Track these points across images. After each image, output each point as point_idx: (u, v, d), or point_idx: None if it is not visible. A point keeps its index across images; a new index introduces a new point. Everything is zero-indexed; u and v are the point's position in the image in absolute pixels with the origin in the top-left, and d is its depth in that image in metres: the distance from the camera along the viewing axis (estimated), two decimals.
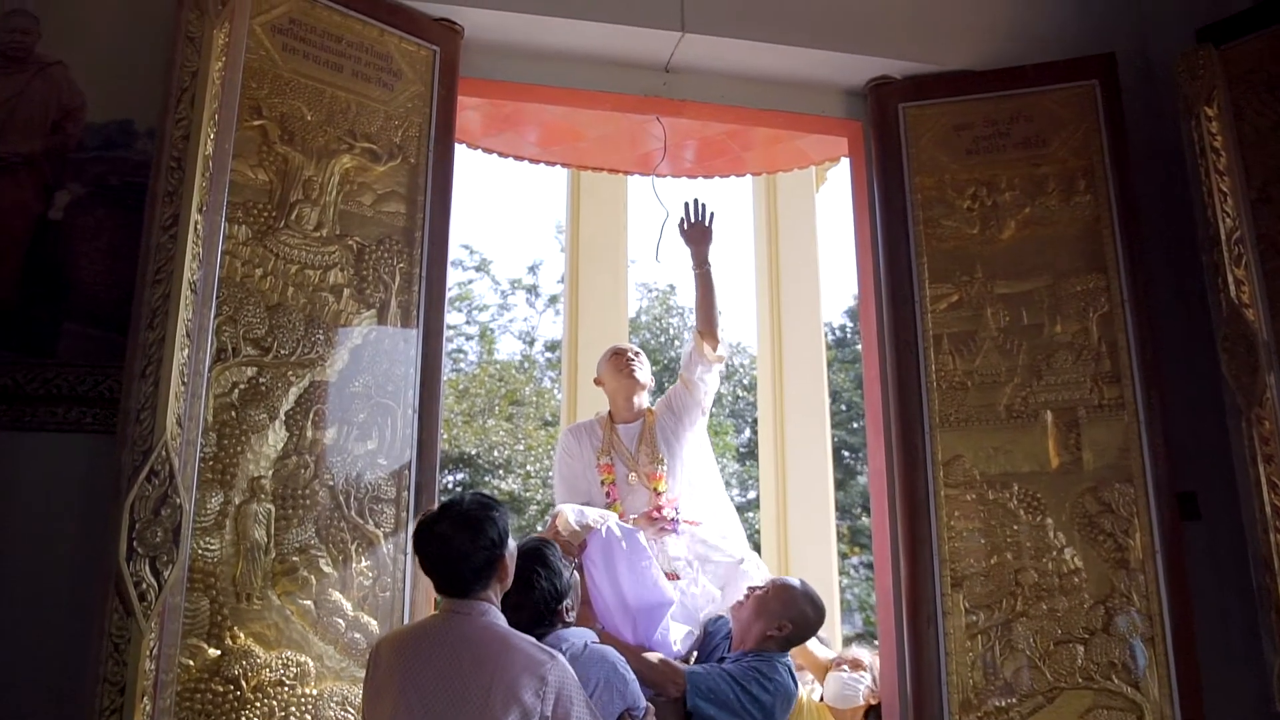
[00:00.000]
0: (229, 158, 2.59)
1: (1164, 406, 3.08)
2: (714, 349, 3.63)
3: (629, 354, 3.68)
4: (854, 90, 3.59)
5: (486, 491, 13.47)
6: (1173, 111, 3.30)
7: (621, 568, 3.03)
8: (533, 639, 2.29)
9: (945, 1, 3.58)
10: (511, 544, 2.38)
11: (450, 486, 13.91)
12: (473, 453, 13.94)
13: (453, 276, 16.66)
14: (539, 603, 2.63)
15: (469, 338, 16.82)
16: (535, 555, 2.71)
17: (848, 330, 17.34)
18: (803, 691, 3.46)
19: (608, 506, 3.45)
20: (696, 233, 3.72)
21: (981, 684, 2.98)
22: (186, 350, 2.40)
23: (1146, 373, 3.10)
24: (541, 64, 3.38)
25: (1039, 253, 3.28)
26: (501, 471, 13.89)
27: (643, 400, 3.63)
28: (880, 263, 3.39)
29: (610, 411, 3.69)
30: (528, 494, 13.67)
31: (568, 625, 2.71)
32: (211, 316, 2.52)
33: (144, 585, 2.22)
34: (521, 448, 14.04)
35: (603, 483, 3.54)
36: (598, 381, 3.74)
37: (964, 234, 3.34)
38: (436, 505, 2.53)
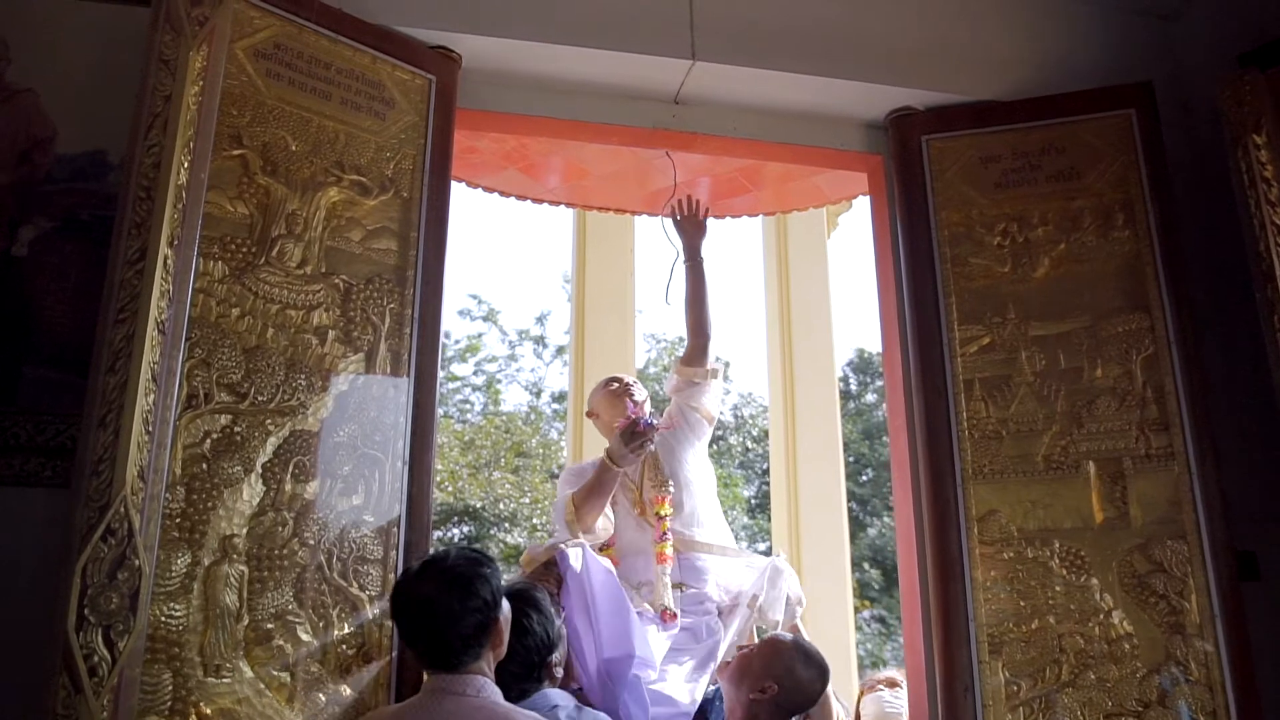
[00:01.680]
0: (204, 188, 2.40)
1: (1217, 456, 2.84)
2: (702, 361, 3.44)
3: (624, 379, 3.52)
4: (874, 122, 3.40)
5: (492, 546, 13.24)
6: (1213, 141, 3.12)
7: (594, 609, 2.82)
8: (536, 715, 2.04)
9: (968, 30, 3.41)
10: (506, 606, 2.13)
11: (455, 540, 13.67)
12: (478, 505, 13.73)
13: (461, 327, 16.62)
14: (532, 650, 2.38)
15: (476, 389, 16.69)
16: (525, 598, 2.46)
17: (852, 381, 17.18)
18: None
19: (602, 549, 3.26)
20: (690, 225, 3.56)
21: None
22: (152, 396, 2.18)
23: (1197, 420, 2.86)
24: (544, 95, 3.20)
25: (1076, 291, 3.05)
26: (507, 524, 13.67)
27: None
28: (905, 304, 3.18)
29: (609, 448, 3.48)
30: None
31: (555, 682, 2.47)
32: (181, 359, 2.31)
33: (96, 658, 1.99)
34: (527, 500, 13.82)
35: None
36: (590, 414, 3.56)
37: (994, 272, 3.12)
38: (416, 562, 2.29)
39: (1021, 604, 2.85)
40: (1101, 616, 2.80)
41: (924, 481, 3.00)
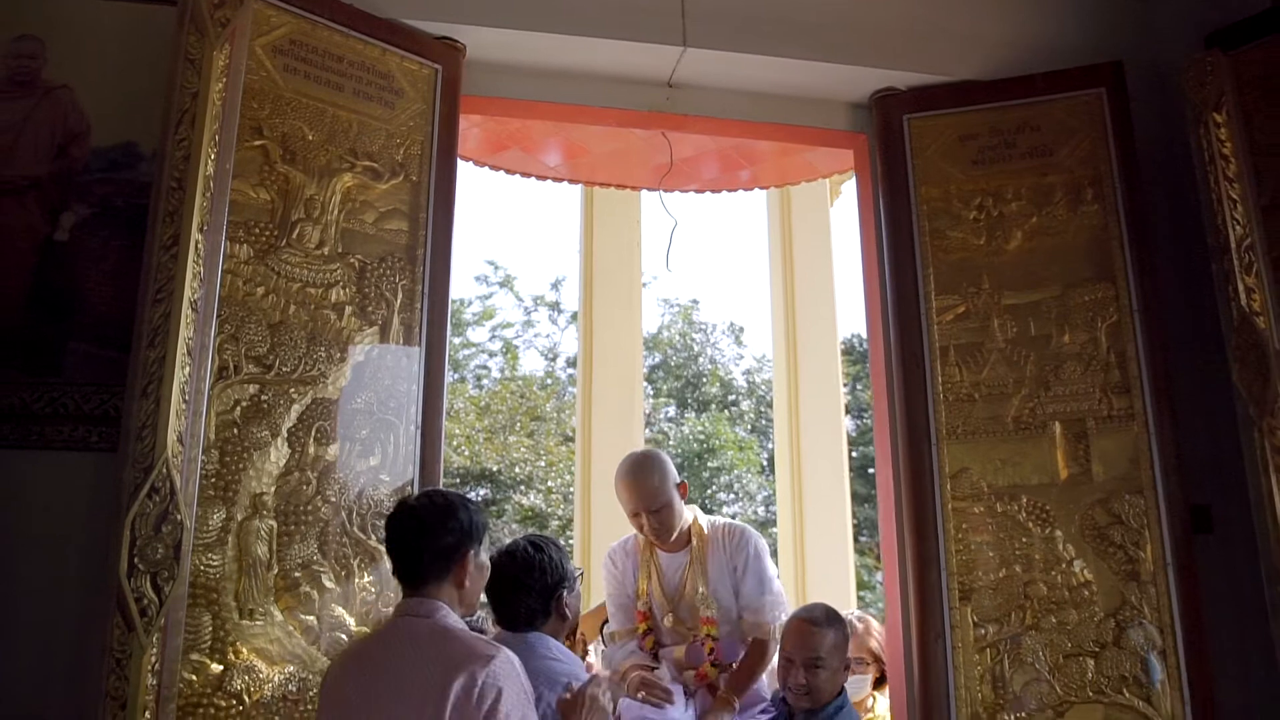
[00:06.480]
0: (229, 177, 2.62)
1: (1174, 417, 3.03)
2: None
3: (641, 520, 3.21)
4: (858, 103, 3.58)
5: (508, 508, 13.50)
6: (1181, 119, 3.26)
7: None
8: (482, 636, 2.17)
9: (949, 12, 3.56)
10: (483, 554, 2.26)
11: None
12: (494, 469, 13.99)
13: (477, 293, 16.80)
14: (548, 573, 2.61)
15: (492, 354, 16.90)
16: (541, 536, 2.71)
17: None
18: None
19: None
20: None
21: (990, 698, 2.94)
22: (188, 368, 2.42)
23: (1156, 383, 3.06)
24: (544, 81, 3.39)
25: (1046, 263, 3.24)
26: (523, 487, 13.92)
27: (684, 523, 3.29)
28: (886, 275, 3.37)
29: None
30: (549, 509, 13.69)
31: (564, 621, 2.68)
32: (213, 335, 2.54)
33: (145, 600, 2.25)
34: (543, 464, 14.06)
35: (640, 631, 3.33)
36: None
37: (970, 245, 3.31)
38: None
39: (991, 555, 3.06)
40: (1064, 565, 3.01)
41: (901, 442, 3.20)
